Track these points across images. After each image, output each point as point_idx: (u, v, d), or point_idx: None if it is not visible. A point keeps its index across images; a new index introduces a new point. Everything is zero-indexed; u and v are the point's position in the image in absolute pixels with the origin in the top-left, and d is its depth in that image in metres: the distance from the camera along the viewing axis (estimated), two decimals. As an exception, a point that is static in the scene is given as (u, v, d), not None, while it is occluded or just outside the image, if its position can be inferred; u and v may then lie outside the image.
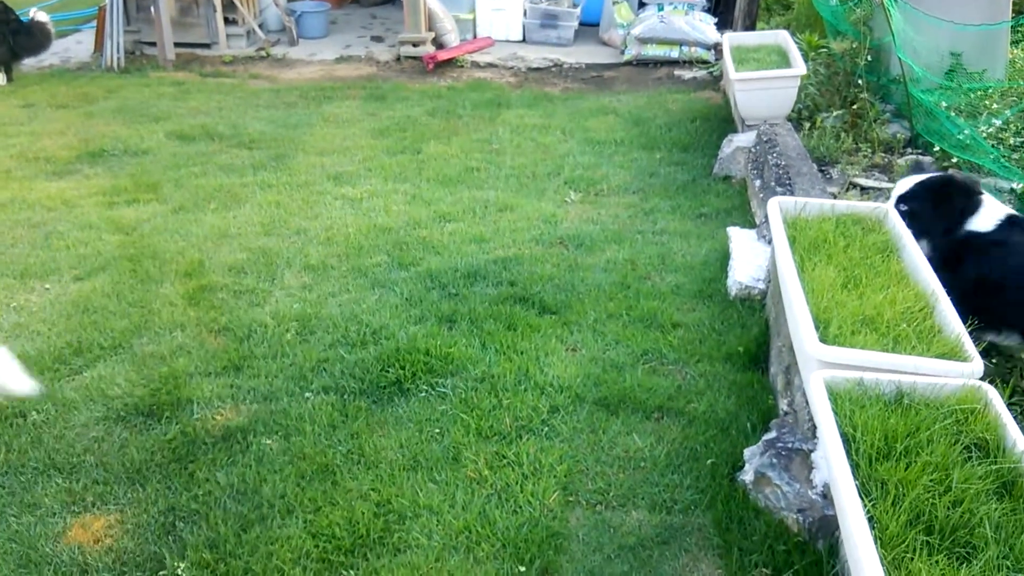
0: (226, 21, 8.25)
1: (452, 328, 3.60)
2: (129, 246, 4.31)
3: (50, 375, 3.26)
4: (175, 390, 3.15)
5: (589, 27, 8.71)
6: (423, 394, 3.16)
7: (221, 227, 4.56)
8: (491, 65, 7.93)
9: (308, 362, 3.36)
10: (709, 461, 2.77)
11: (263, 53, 8.28)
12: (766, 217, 4.01)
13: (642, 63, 7.85)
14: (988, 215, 2.93)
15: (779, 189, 4.32)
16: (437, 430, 2.96)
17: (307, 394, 3.18)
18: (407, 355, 3.34)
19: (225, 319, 3.67)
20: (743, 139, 5.19)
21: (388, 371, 3.26)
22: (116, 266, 4.10)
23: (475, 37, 8.44)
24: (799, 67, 5.42)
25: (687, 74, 7.59)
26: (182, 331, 3.57)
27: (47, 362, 3.33)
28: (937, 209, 3.02)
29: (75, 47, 8.66)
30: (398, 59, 8.03)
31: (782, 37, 5.98)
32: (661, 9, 8.20)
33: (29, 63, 7.83)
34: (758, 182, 4.60)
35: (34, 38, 7.36)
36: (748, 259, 3.86)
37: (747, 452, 2.72)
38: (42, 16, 7.42)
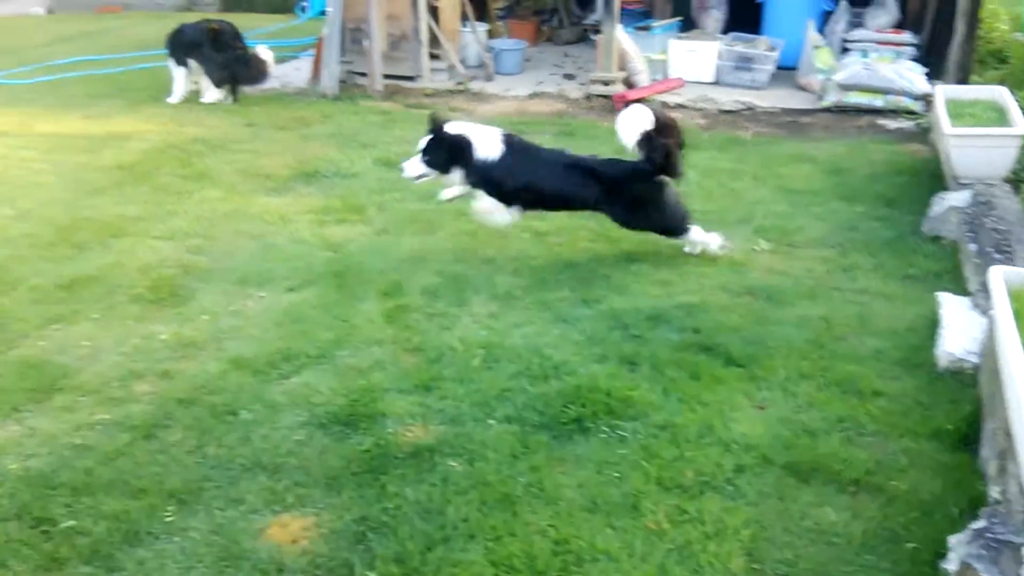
0: (431, 56, 8.71)
1: (634, 371, 3.59)
2: (336, 263, 4.62)
3: (261, 377, 3.54)
4: (371, 403, 3.33)
5: (784, 71, 8.48)
6: (603, 435, 3.16)
7: (418, 251, 4.80)
8: (680, 106, 7.89)
9: (492, 390, 3.46)
10: (910, 545, 2.59)
11: (462, 87, 8.67)
12: (982, 285, 3.74)
13: (842, 110, 7.54)
14: None
15: (998, 256, 4.02)
16: (616, 474, 2.95)
17: (490, 421, 3.27)
18: (588, 394, 3.36)
19: (418, 339, 3.85)
20: (956, 198, 4.87)
21: (569, 408, 3.30)
22: (324, 281, 4.40)
23: (666, 78, 8.44)
24: (1020, 126, 5.05)
25: (891, 124, 7.22)
26: (379, 347, 3.78)
27: (259, 365, 3.62)
28: None
29: (293, 73, 9.42)
30: (588, 97, 8.16)
31: (1000, 93, 5.61)
32: (866, 56, 7.87)
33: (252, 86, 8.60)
34: (973, 246, 4.29)
35: (251, 69, 8.09)
36: (960, 329, 3.60)
37: (952, 540, 2.53)
38: (264, 53, 8.15)
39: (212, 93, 8.00)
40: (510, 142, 4.62)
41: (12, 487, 2.89)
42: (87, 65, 9.62)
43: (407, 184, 5.87)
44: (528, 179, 4.59)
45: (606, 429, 3.19)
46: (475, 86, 8.75)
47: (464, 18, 9.28)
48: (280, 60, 10.00)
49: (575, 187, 4.60)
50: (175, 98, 8.02)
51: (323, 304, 4.16)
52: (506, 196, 4.64)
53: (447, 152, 4.60)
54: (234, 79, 8.09)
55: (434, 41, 8.67)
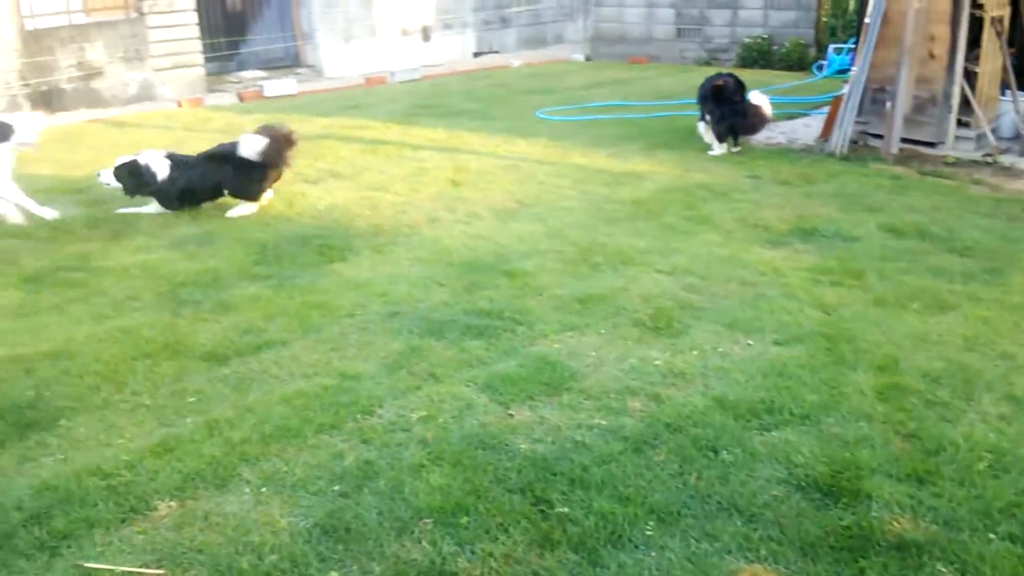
0: (958, 123, 8.01)
1: None
2: (827, 325, 4.50)
3: (742, 423, 3.60)
4: (856, 480, 3.18)
5: None
6: None
7: (920, 330, 4.44)
8: None
9: (998, 501, 3.06)
10: None
11: (989, 159, 7.81)
12: None
13: None
14: None
15: None
16: None
17: (991, 535, 2.90)
18: None
19: (913, 425, 3.56)
20: None
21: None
22: (813, 341, 4.32)
23: None
24: None
25: None
26: (868, 423, 3.59)
27: (742, 410, 3.68)
28: None
29: (801, 129, 9.42)
30: None
31: None
32: None
33: (758, 139, 8.79)
34: None
35: (748, 119, 8.24)
36: None
37: None
38: (757, 99, 8.23)
39: (716, 147, 8.38)
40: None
41: (520, 464, 3.35)
42: (616, 109, 10.79)
43: (915, 254, 5.51)
44: None
45: None
46: (1006, 159, 7.82)
47: (1004, 86, 8.37)
48: (790, 116, 10.09)
49: None
50: (714, 150, 8.45)
51: (811, 364, 4.08)
52: None
53: None
54: (732, 130, 8.39)
55: (964, 108, 7.96)
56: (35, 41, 11.37)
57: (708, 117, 8.41)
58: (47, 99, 11.47)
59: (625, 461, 3.33)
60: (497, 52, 17.05)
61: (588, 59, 15.92)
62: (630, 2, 15.49)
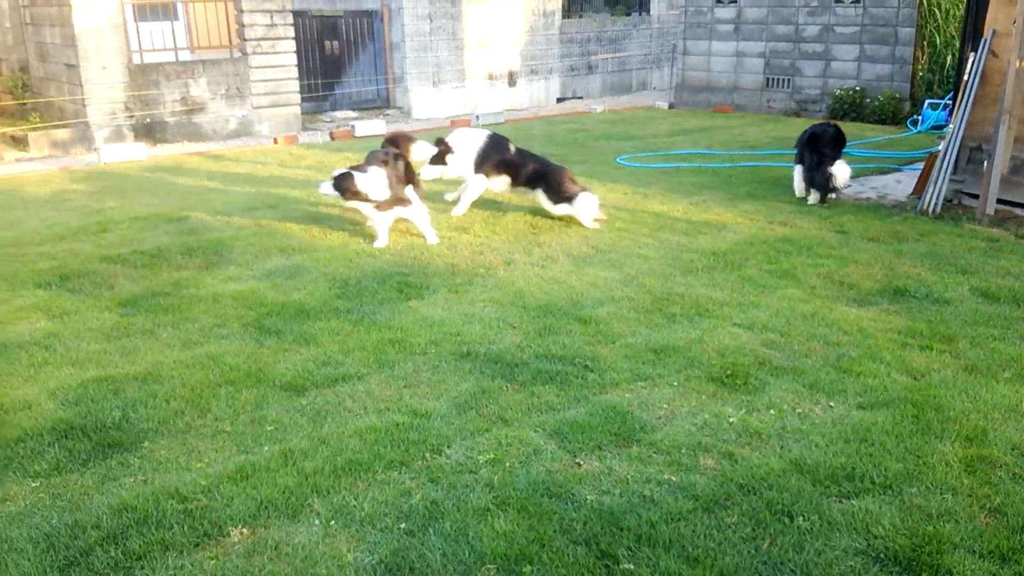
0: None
1: None
2: (915, 391, 4.33)
3: (821, 489, 3.47)
4: (937, 555, 3.03)
5: None
6: None
7: (1012, 400, 4.23)
8: None
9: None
10: None
11: (1095, 222, 7.44)
12: None
13: None
14: None
15: None
16: None
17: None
18: None
19: (1000, 500, 3.38)
20: None
21: None
22: (899, 406, 4.15)
23: None
24: None
25: None
26: (952, 495, 3.42)
27: (820, 475, 3.56)
28: None
29: (893, 186, 9.17)
30: None
31: None
32: None
33: (847, 193, 8.61)
34: None
35: (821, 176, 8.10)
36: None
37: None
38: (835, 169, 8.10)
39: (813, 196, 8.30)
40: None
41: (586, 515, 3.31)
42: (698, 158, 10.73)
43: (1008, 320, 5.27)
44: None
45: None
46: (1114, 224, 7.42)
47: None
48: (882, 171, 9.86)
49: None
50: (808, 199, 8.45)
51: (895, 431, 3.92)
52: None
53: None
54: (811, 183, 8.28)
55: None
56: (141, 75, 12.05)
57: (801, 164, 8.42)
58: (150, 131, 12.10)
59: (695, 520, 3.25)
60: (580, 98, 17.23)
61: (672, 106, 15.93)
62: (718, 51, 15.48)
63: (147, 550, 3.11)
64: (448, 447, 3.82)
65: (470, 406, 4.20)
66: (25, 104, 12.92)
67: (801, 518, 3.28)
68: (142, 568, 3.02)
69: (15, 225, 7.83)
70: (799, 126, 10.35)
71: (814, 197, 8.33)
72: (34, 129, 11.96)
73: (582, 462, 3.69)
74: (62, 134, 11.87)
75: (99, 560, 3.06)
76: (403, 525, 3.25)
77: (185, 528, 3.22)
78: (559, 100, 16.98)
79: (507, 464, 3.67)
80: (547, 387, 4.40)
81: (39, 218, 8.05)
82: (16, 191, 9.40)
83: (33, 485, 3.56)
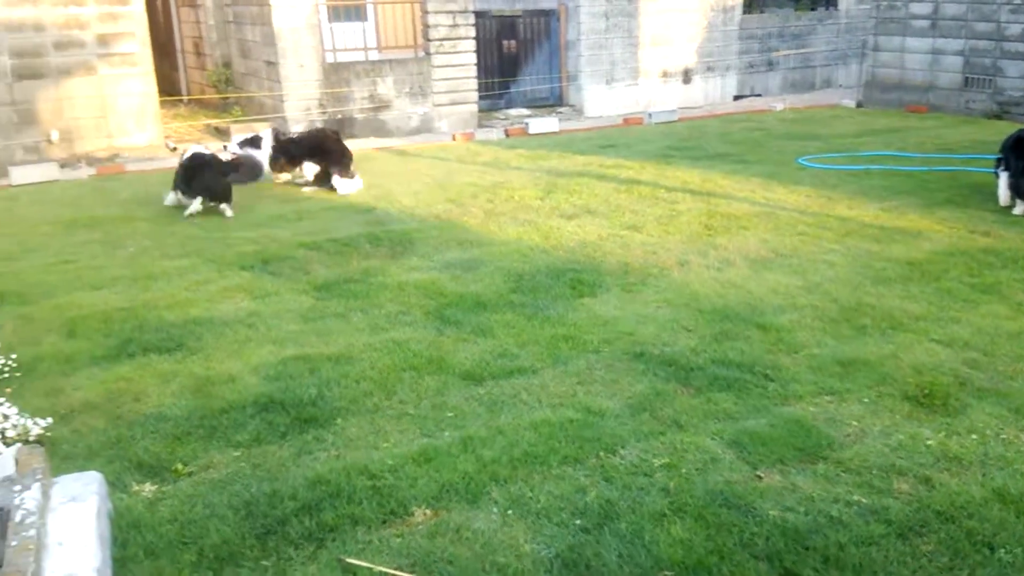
0: None
1: None
2: None
3: (1031, 525, 3.19)
4: None
5: None
6: None
7: None
8: None
9: None
10: None
11: None
12: None
13: None
14: None
15: None
16: None
17: None
18: None
19: None
20: None
21: None
22: None
23: None
24: None
25: None
26: None
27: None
28: None
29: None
30: None
31: None
32: None
33: None
34: None
35: None
36: None
37: None
38: None
39: (1020, 205, 7.59)
40: None
41: (768, 531, 3.20)
42: (890, 160, 10.09)
43: None
44: None
45: None
46: None
47: None
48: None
49: None
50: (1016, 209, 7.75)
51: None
52: None
53: None
54: (1018, 191, 7.57)
55: None
56: (334, 73, 12.77)
57: (1004, 171, 7.71)
58: (341, 126, 12.81)
59: (887, 546, 3.07)
60: (759, 95, 16.63)
61: (859, 105, 15.04)
62: (913, 47, 14.46)
63: (338, 523, 3.30)
64: (622, 447, 3.81)
65: (644, 408, 4.17)
66: (227, 98, 14.02)
67: (1003, 550, 3.03)
68: (333, 540, 3.21)
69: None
70: (1001, 129, 9.53)
71: (1021, 207, 7.62)
72: (236, 122, 12.96)
73: (763, 475, 3.58)
74: (261, 127, 12.80)
75: (294, 530, 3.28)
76: (578, 521, 3.28)
77: (373, 504, 3.40)
78: (736, 98, 16.46)
79: (683, 470, 3.62)
80: (724, 394, 4.29)
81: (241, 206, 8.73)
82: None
83: (235, 454, 3.86)
